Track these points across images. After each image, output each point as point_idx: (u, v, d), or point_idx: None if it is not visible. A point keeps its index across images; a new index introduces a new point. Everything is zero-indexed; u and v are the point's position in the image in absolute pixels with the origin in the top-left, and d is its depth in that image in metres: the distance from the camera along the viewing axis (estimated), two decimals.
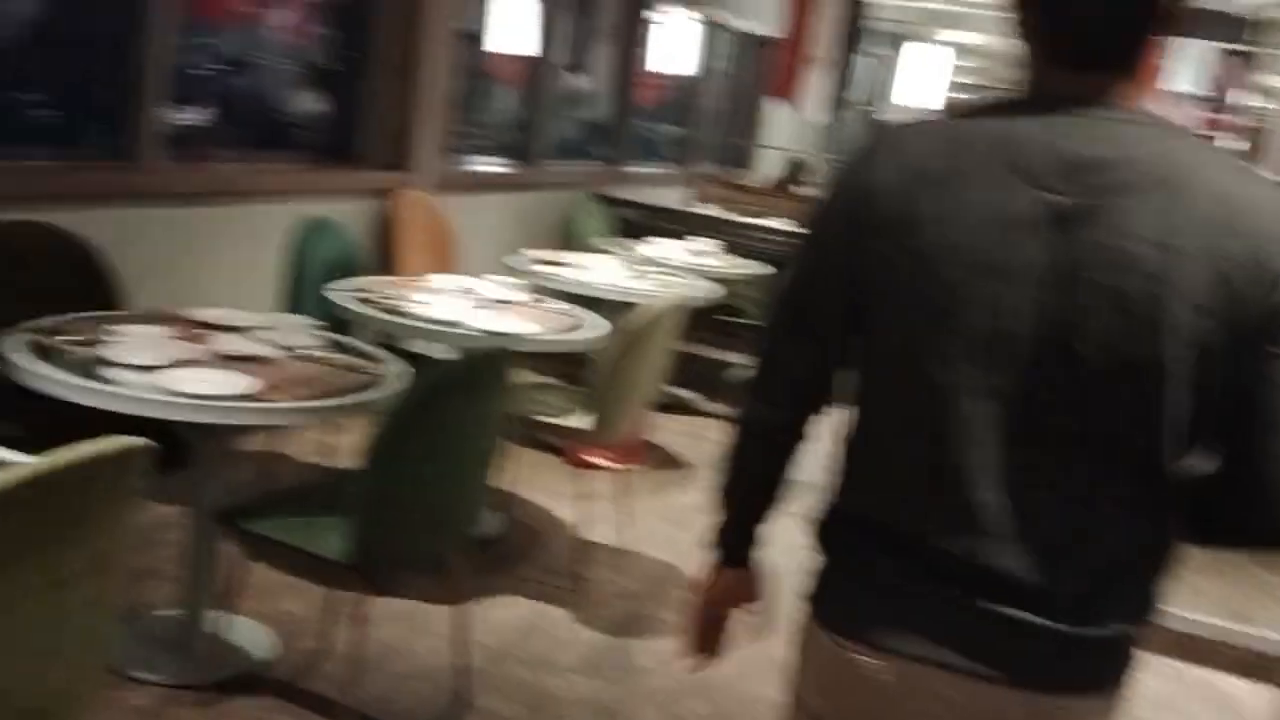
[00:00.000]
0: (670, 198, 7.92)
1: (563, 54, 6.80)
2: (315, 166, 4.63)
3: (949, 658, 1.17)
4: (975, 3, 9.10)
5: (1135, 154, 1.13)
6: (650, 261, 4.88)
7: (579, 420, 3.43)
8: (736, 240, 6.24)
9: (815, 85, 8.25)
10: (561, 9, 6.35)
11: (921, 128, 1.27)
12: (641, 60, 7.37)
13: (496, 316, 3.32)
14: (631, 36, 7.25)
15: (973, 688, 1.17)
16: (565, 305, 3.74)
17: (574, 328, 3.46)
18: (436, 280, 3.66)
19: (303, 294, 3.46)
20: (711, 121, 9.05)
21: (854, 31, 8.42)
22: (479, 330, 3.16)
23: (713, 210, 7.48)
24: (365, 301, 3.26)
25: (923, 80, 9.92)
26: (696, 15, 8.02)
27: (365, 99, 4.74)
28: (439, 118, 4.92)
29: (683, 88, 8.60)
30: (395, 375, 2.58)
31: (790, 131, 9.10)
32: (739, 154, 9.20)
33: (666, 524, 3.99)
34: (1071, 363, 1.12)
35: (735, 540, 1.41)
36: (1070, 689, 1.20)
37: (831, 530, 1.29)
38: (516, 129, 6.17)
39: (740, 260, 5.63)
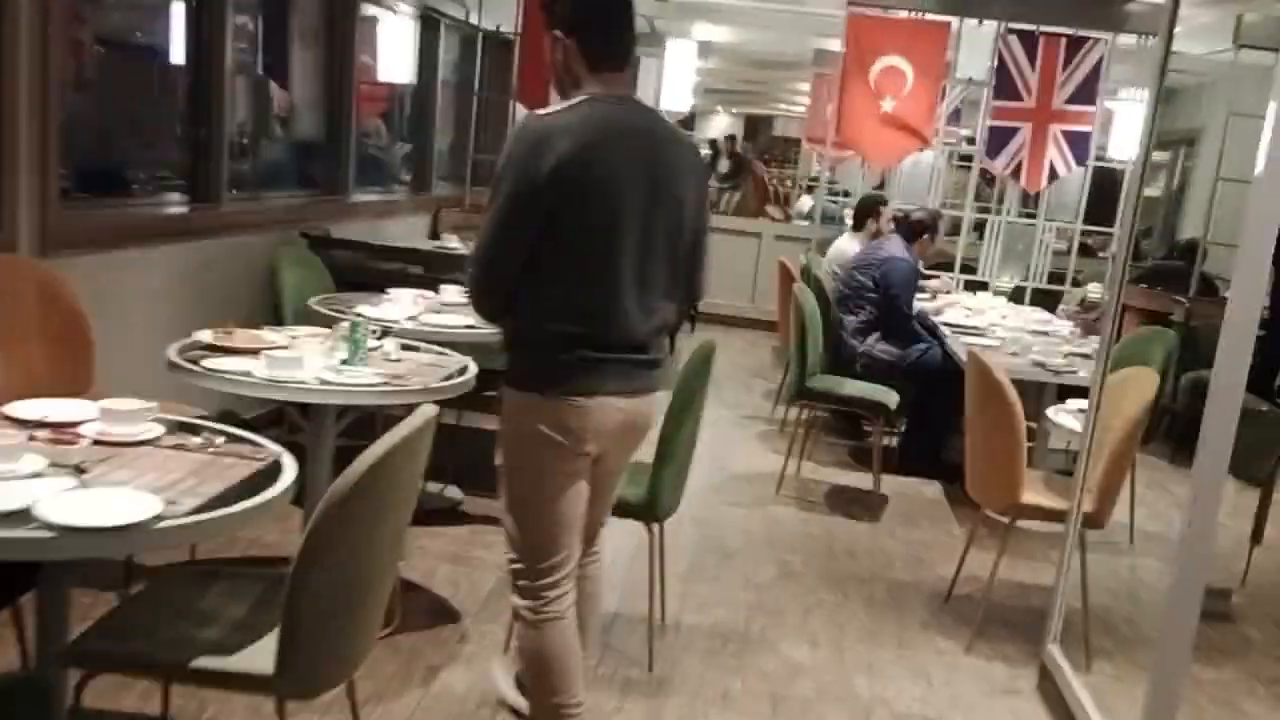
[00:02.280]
0: (406, 231, 6.54)
1: (251, 59, 5.31)
2: None
3: (623, 389, 2.39)
4: None
5: (654, 123, 2.42)
6: (384, 328, 3.51)
7: None
8: None
9: None
10: (246, 4, 4.89)
11: (570, 113, 2.26)
12: (358, 66, 5.96)
13: None
14: (342, 36, 5.84)
15: (631, 401, 2.42)
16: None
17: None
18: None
19: None
20: (453, 136, 7.73)
21: None
22: None
23: (457, 243, 6.17)
24: None
25: (679, 78, 8.95)
26: (409, 9, 6.68)
27: None
28: (40, 152, 3.39)
29: (417, 97, 7.23)
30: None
31: None
32: (481, 171, 7.91)
33: None
34: (659, 235, 2.36)
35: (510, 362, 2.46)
36: (656, 390, 2.51)
37: (553, 344, 2.33)
38: (190, 157, 4.64)
39: None
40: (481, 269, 2.32)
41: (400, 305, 4.07)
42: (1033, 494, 3.56)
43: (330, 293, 4.43)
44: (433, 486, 4.40)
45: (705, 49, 10.51)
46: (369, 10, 6.42)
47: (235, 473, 2.13)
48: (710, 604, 3.75)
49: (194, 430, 2.36)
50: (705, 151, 13.31)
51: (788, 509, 4.89)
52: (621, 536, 3.32)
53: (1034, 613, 3.95)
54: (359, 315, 3.75)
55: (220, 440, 2.32)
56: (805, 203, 12.09)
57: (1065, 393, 4.82)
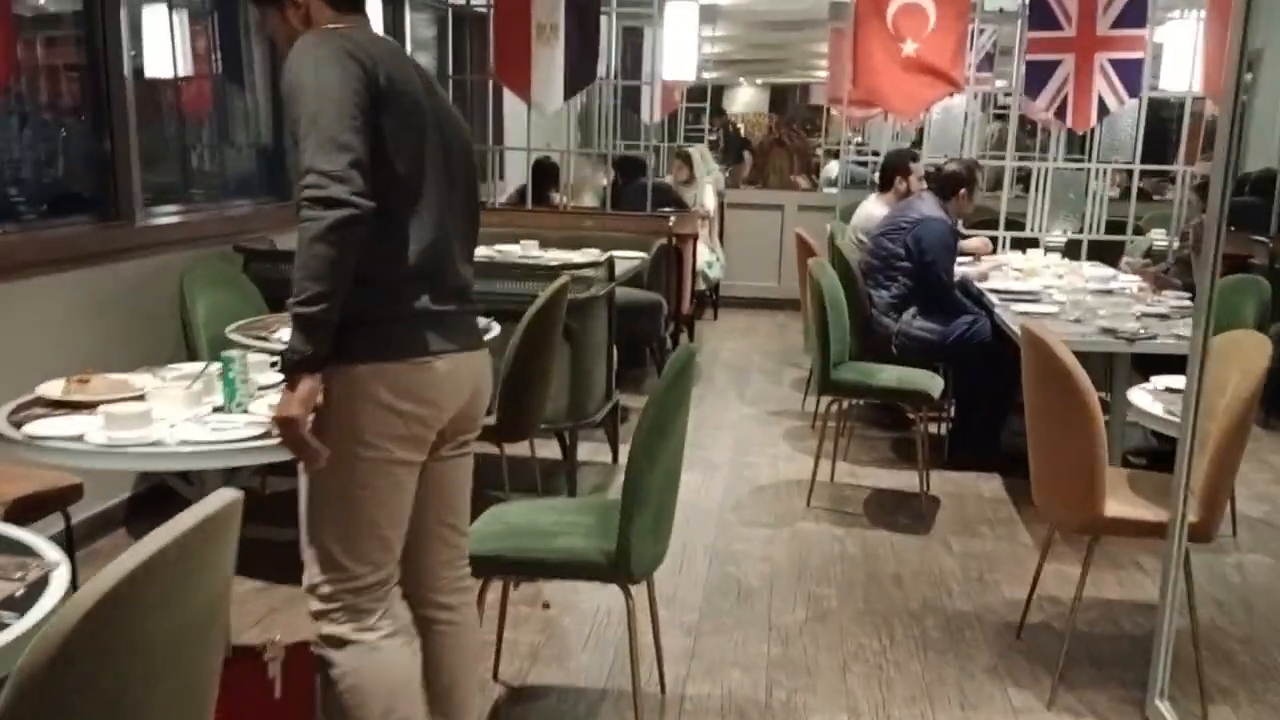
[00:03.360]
0: None
1: (183, 55, 4.67)
2: None
3: (465, 343, 2.09)
4: None
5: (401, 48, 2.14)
6: None
7: None
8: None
9: (551, 63, 6.36)
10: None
11: (357, 32, 2.00)
12: None
13: None
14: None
15: (474, 356, 2.12)
16: None
17: None
18: None
19: None
20: None
21: None
22: None
23: None
24: None
25: (682, 45, 8.15)
26: None
27: None
28: None
29: None
30: None
31: (536, 127, 7.17)
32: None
33: None
34: (457, 170, 2.10)
35: (328, 341, 1.87)
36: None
37: (389, 295, 1.97)
38: (94, 171, 4.01)
39: None
40: (333, 151, 1.82)
41: None
42: (1117, 503, 2.80)
43: (261, 314, 3.77)
44: None
45: (711, 13, 9.74)
46: None
47: None
48: (724, 664, 3.03)
49: None
50: (711, 136, 12.59)
51: (820, 525, 4.15)
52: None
53: (1127, 643, 3.19)
54: (257, 343, 3.08)
55: None
56: (832, 169, 11.30)
57: (1143, 364, 4.04)
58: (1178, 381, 3.16)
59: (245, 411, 2.39)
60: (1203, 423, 2.64)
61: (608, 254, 4.98)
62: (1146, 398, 3.24)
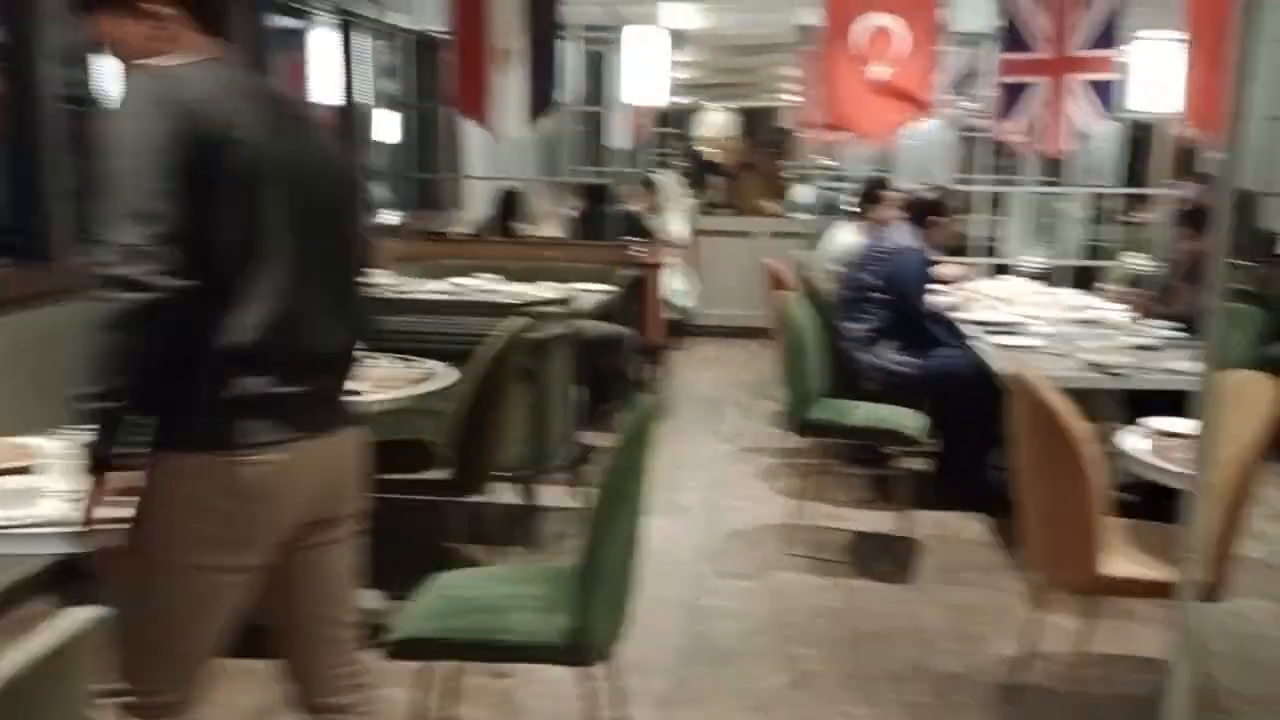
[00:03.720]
0: None
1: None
2: None
3: (313, 430, 1.80)
4: None
5: (264, 84, 1.97)
6: None
7: None
8: (411, 327, 4.08)
9: (508, 90, 6.14)
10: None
11: (188, 74, 1.72)
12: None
13: None
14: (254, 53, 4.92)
15: (329, 443, 1.85)
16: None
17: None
18: None
19: None
20: (388, 156, 6.83)
21: (548, 14, 6.36)
22: None
23: (388, 279, 5.26)
24: None
25: (647, 70, 7.96)
26: (328, 15, 5.79)
27: None
28: None
29: (346, 116, 6.32)
30: None
31: (499, 155, 6.95)
32: (433, 193, 7.00)
33: None
34: (328, 216, 1.84)
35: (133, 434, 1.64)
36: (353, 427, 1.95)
37: (214, 374, 1.69)
38: (13, 208, 3.74)
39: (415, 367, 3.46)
40: (136, 222, 1.62)
41: None
42: (1117, 561, 2.59)
43: None
44: None
45: (679, 38, 9.59)
46: (285, 22, 5.56)
47: None
48: None
49: None
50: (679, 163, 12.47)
51: (799, 575, 3.92)
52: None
53: (1128, 706, 2.98)
54: None
55: None
56: (800, 193, 11.15)
57: (1134, 400, 3.85)
58: (1171, 423, 2.97)
59: None
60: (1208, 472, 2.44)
61: (566, 289, 4.76)
62: (1141, 443, 3.03)
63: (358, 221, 1.94)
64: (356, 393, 1.98)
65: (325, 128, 1.99)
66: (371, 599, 3.49)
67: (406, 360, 3.48)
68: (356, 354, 1.95)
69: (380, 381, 3.21)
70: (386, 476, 3.30)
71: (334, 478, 1.88)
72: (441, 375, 3.36)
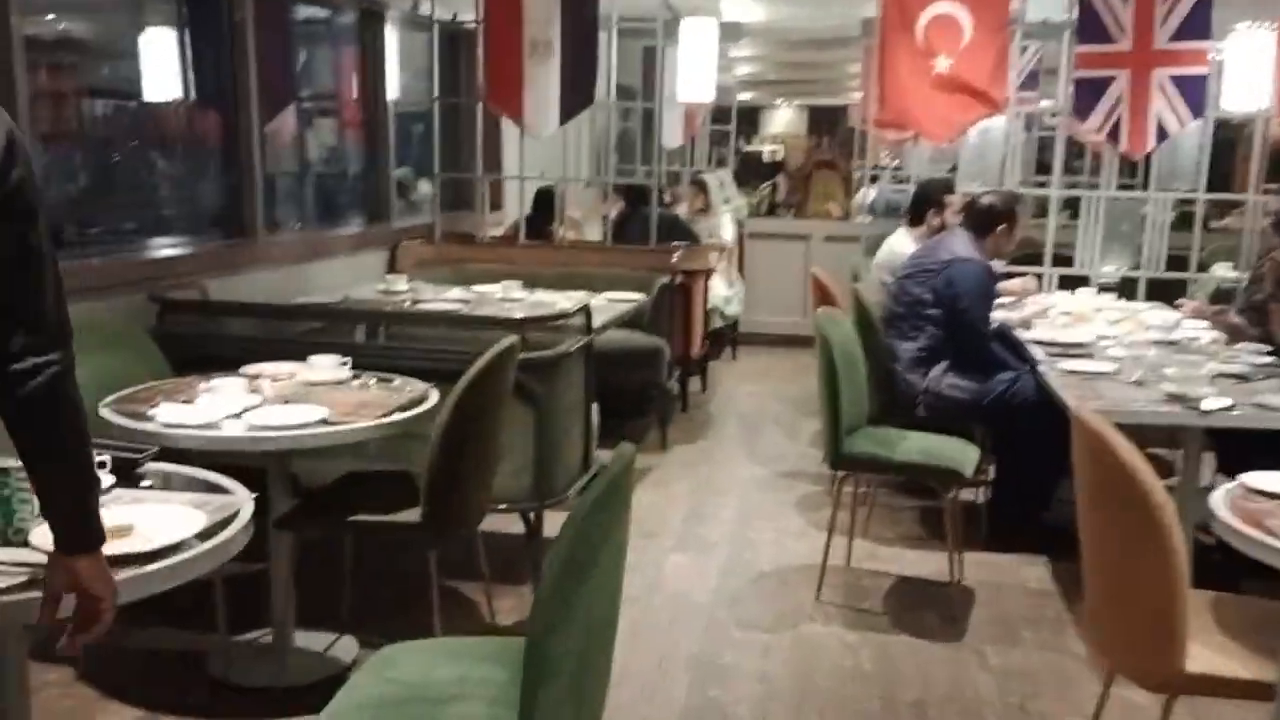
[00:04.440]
0: (349, 274, 5.31)
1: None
2: None
3: None
4: None
5: None
6: (133, 453, 2.25)
7: None
8: (420, 344, 3.77)
9: (543, 84, 5.78)
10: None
11: None
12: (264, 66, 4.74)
13: None
14: (236, 29, 4.62)
15: None
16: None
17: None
18: None
19: None
20: (420, 153, 6.51)
21: (587, 3, 5.97)
22: None
23: (404, 285, 4.95)
24: None
25: (703, 65, 7.54)
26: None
27: None
28: None
29: (370, 110, 6.02)
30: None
31: (543, 153, 6.59)
32: (465, 194, 6.66)
33: None
34: None
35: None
36: None
37: None
38: None
39: (408, 385, 3.11)
40: None
41: (223, 396, 2.82)
42: (1203, 653, 2.13)
43: (159, 379, 3.20)
44: (315, 640, 3.14)
45: (735, 30, 9.15)
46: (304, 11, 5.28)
47: None
48: None
49: None
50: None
51: (830, 627, 3.48)
52: None
53: None
54: (128, 423, 2.50)
55: None
56: (867, 195, 10.64)
57: (1220, 437, 3.35)
58: (1271, 480, 2.48)
59: (25, 543, 1.79)
60: None
61: (602, 297, 4.39)
62: (1226, 509, 2.51)
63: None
64: None
65: None
66: (346, 647, 3.15)
67: (386, 381, 3.13)
68: None
69: (359, 406, 2.87)
70: (355, 517, 2.97)
71: None
72: (432, 399, 3.00)
